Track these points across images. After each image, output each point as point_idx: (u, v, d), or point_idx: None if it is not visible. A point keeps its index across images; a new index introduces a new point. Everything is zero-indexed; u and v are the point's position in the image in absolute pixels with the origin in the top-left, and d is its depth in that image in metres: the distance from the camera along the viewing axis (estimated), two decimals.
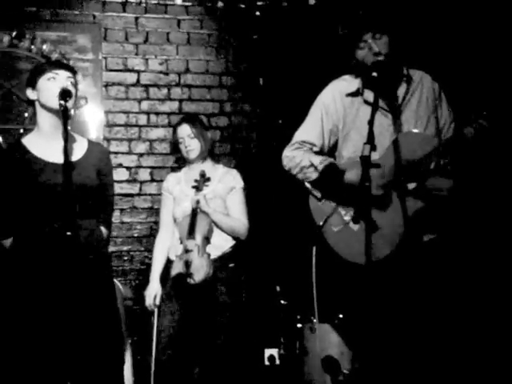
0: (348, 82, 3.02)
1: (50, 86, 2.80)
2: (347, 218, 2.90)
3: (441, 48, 4.25)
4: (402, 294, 2.79)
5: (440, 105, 2.93)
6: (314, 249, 2.97)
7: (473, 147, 2.63)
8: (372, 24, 2.84)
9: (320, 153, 3.03)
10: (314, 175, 2.95)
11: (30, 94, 2.87)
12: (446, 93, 2.98)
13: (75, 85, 2.88)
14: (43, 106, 2.84)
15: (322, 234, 2.96)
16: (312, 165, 2.94)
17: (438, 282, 2.84)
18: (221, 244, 3.66)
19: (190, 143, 3.76)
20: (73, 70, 2.94)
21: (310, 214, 3.03)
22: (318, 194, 2.99)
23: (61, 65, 2.93)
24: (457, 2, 4.30)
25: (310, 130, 3.07)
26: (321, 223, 2.96)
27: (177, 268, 3.52)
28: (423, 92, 2.92)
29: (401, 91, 2.91)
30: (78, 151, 2.93)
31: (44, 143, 2.87)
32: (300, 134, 3.10)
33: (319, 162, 2.93)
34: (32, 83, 2.86)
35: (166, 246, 3.79)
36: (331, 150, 3.08)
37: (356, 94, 2.97)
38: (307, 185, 3.03)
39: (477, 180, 3.33)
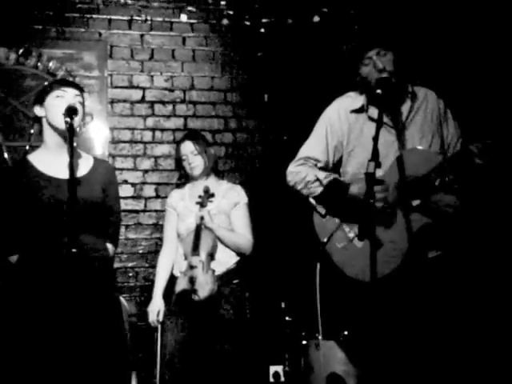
0: (352, 99, 3.03)
1: (57, 104, 2.81)
2: (351, 234, 2.90)
3: (446, 66, 4.27)
4: (406, 311, 2.78)
5: (446, 121, 2.93)
6: (318, 265, 2.96)
7: (478, 165, 2.62)
8: (376, 40, 2.86)
9: (325, 169, 3.04)
10: (318, 190, 2.96)
11: (38, 111, 2.89)
12: (452, 110, 2.98)
13: (82, 103, 2.90)
14: (50, 124, 2.85)
15: (325, 251, 2.96)
16: (317, 179, 2.95)
17: (443, 298, 2.83)
18: (225, 260, 3.65)
19: (194, 160, 3.77)
20: (81, 89, 2.95)
21: (313, 230, 3.04)
22: (322, 211, 2.99)
23: (69, 83, 2.95)
24: (465, 20, 4.32)
25: (314, 147, 3.08)
26: (325, 240, 2.96)
27: (181, 284, 3.51)
28: (428, 109, 2.93)
29: (405, 108, 2.92)
30: (84, 168, 2.95)
31: (50, 159, 2.88)
32: (305, 150, 3.11)
33: (324, 176, 2.94)
34: (40, 100, 2.88)
35: (170, 262, 3.79)
36: (335, 167, 3.08)
37: (361, 110, 2.98)
38: (311, 201, 3.03)
39: (482, 198, 3.32)
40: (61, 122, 2.76)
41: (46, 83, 3.06)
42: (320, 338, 3.70)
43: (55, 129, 2.85)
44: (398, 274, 2.71)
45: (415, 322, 2.77)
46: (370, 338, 2.65)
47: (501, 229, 4.05)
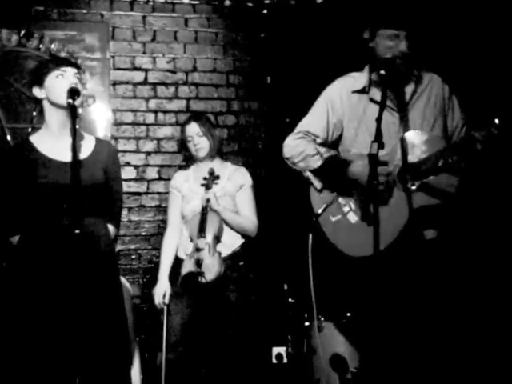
0: (355, 79, 3.02)
1: (58, 84, 2.81)
2: (346, 208, 2.91)
3: (454, 51, 4.24)
4: (399, 291, 2.78)
5: (451, 107, 2.92)
6: (311, 237, 2.95)
7: (480, 153, 2.62)
8: (386, 20, 2.84)
9: (323, 145, 3.04)
10: (317, 163, 2.95)
11: (38, 92, 2.87)
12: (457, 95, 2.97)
13: (81, 81, 2.90)
14: (52, 104, 2.84)
15: (318, 223, 2.97)
16: (318, 153, 2.94)
17: (439, 279, 2.83)
18: (231, 242, 3.66)
19: (199, 141, 3.75)
20: (79, 67, 2.96)
21: (310, 204, 3.04)
22: (319, 185, 3.00)
23: (67, 62, 2.95)
24: (474, 6, 4.29)
25: (315, 122, 3.07)
26: (319, 211, 2.96)
27: (187, 266, 3.51)
28: (432, 93, 2.92)
29: (409, 91, 2.91)
30: (86, 149, 2.94)
31: (52, 141, 2.88)
32: (305, 125, 3.10)
33: (325, 150, 2.94)
34: (39, 82, 2.86)
35: (174, 244, 3.78)
36: (333, 145, 3.08)
37: (362, 91, 2.97)
38: (308, 174, 3.02)
39: (483, 183, 3.32)
40: (64, 102, 2.76)
41: (40, 63, 3.03)
42: (322, 319, 3.72)
43: (57, 109, 2.84)
44: (390, 253, 2.68)
45: (408, 302, 2.78)
46: (367, 318, 2.67)
47: (500, 216, 4.05)
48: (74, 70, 2.87)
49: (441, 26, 4.28)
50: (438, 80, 2.96)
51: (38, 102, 2.92)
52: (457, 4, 4.26)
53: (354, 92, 2.99)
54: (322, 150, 2.95)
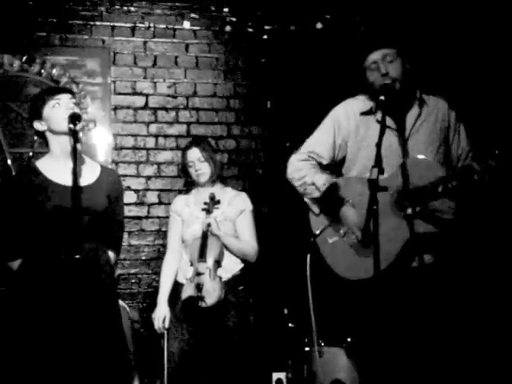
0: (362, 101, 3.04)
1: (56, 112, 2.83)
2: (343, 230, 2.92)
3: (458, 75, 4.28)
4: (396, 314, 2.76)
5: (457, 133, 2.93)
6: (309, 257, 2.95)
7: (479, 183, 2.64)
8: (382, 44, 2.87)
9: (328, 166, 3.04)
10: (315, 194, 2.98)
11: (39, 126, 2.89)
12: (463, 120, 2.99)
13: (78, 104, 2.93)
14: (54, 133, 2.86)
15: (316, 243, 2.98)
16: (314, 184, 2.97)
17: (436, 303, 2.82)
18: (231, 267, 3.65)
19: (201, 167, 3.76)
20: (72, 92, 2.99)
21: (309, 225, 3.05)
22: (317, 210, 3.01)
23: (59, 89, 3.00)
24: (476, 29, 4.33)
25: (320, 142, 3.08)
26: (317, 232, 2.97)
27: (188, 291, 3.49)
28: (438, 118, 2.93)
29: (412, 114, 2.92)
30: (91, 176, 2.96)
31: (57, 166, 2.89)
32: (310, 145, 3.11)
33: (322, 183, 2.96)
34: (37, 115, 2.88)
35: (174, 269, 3.77)
36: (338, 165, 3.09)
37: (369, 112, 2.98)
38: (306, 200, 3.04)
39: (481, 210, 3.33)
40: (65, 128, 2.78)
41: (35, 97, 3.03)
42: (322, 344, 3.70)
43: (62, 134, 2.85)
44: (388, 277, 2.67)
45: (409, 326, 2.78)
46: (368, 342, 2.66)
47: (497, 238, 4.06)
48: (69, 96, 2.89)
49: (443, 50, 4.33)
50: (444, 105, 2.97)
51: (40, 134, 2.94)
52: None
53: (362, 114, 3.00)
54: (319, 182, 2.96)
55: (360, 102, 3.04)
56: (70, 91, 2.97)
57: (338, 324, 3.71)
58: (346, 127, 3.01)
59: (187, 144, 3.94)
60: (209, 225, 3.59)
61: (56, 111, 2.83)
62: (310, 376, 3.73)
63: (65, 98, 2.87)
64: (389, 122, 2.84)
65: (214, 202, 3.66)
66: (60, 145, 2.88)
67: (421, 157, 2.82)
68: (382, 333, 2.55)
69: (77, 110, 2.83)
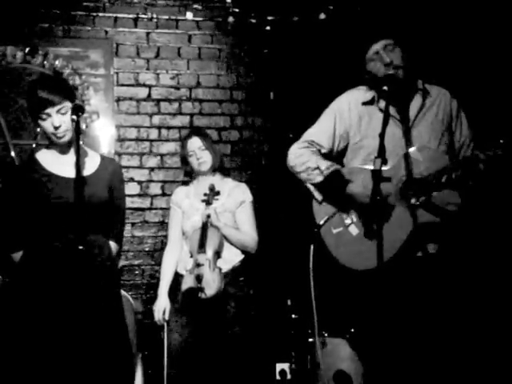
0: (364, 92, 3.04)
1: (46, 125, 2.81)
2: (348, 221, 2.92)
3: (461, 66, 4.26)
4: (400, 304, 2.77)
5: (459, 122, 2.93)
6: (312, 248, 2.95)
7: (483, 172, 2.63)
8: (384, 34, 2.86)
9: (328, 156, 3.04)
10: (318, 178, 2.97)
11: (38, 125, 2.87)
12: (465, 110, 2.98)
13: (67, 111, 2.80)
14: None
15: (320, 234, 2.97)
16: (318, 168, 2.96)
17: (440, 292, 2.82)
18: (231, 258, 3.65)
19: (202, 155, 3.77)
20: (59, 101, 2.80)
21: (312, 214, 3.04)
22: (319, 197, 3.01)
23: (47, 102, 2.78)
24: (478, 20, 4.31)
25: (321, 132, 3.08)
26: (321, 222, 2.96)
27: (187, 282, 3.50)
28: (440, 108, 2.93)
29: (415, 104, 2.91)
30: (91, 166, 2.96)
31: (57, 158, 2.90)
32: (311, 134, 3.11)
33: (326, 167, 2.95)
34: (34, 119, 2.85)
35: (175, 260, 3.78)
36: (338, 155, 3.09)
37: (371, 102, 2.98)
38: (309, 186, 3.03)
39: (486, 199, 3.33)
40: (55, 139, 2.82)
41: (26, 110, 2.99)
42: (325, 334, 3.70)
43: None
44: (392, 267, 2.69)
45: (414, 316, 2.78)
46: (371, 333, 2.66)
47: (500, 230, 4.05)
48: (56, 107, 2.78)
49: (445, 41, 4.32)
50: (446, 95, 2.97)
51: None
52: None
53: (364, 104, 3.00)
54: (323, 165, 2.96)
55: (362, 92, 3.04)
56: (56, 101, 2.79)
57: (342, 314, 3.71)
58: (348, 117, 3.01)
59: (187, 134, 3.96)
60: (208, 216, 3.59)
61: (46, 124, 2.81)
62: (314, 367, 3.73)
63: (52, 110, 2.78)
64: (392, 112, 2.84)
65: (213, 193, 3.66)
66: None
67: (424, 146, 2.81)
68: (385, 323, 2.56)
69: (63, 123, 2.79)
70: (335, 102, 3.11)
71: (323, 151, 3.05)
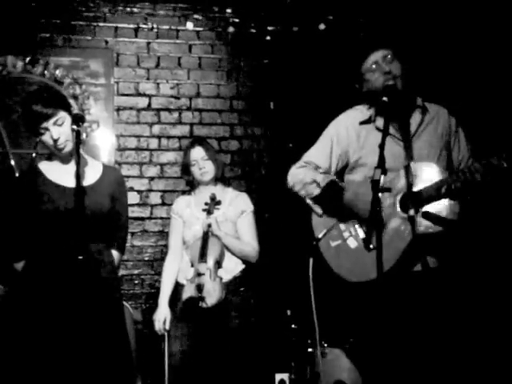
0: (361, 111, 3.04)
1: (46, 139, 2.81)
2: (346, 234, 2.92)
3: (460, 82, 4.28)
4: (399, 316, 2.76)
5: (457, 139, 2.94)
6: (311, 261, 2.95)
7: (481, 184, 2.63)
8: (383, 44, 2.87)
9: (324, 172, 3.05)
10: (315, 191, 2.97)
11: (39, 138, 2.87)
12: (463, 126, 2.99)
13: (65, 120, 2.80)
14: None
15: (319, 247, 2.97)
16: (314, 181, 2.97)
17: (440, 305, 2.81)
18: (232, 267, 3.65)
19: (205, 165, 3.76)
20: (54, 113, 2.78)
21: (311, 228, 3.05)
22: (319, 211, 3.01)
23: (41, 116, 2.76)
24: (479, 37, 4.33)
25: (317, 153, 3.10)
26: (320, 236, 2.96)
27: (188, 292, 3.50)
28: (439, 125, 2.93)
29: (414, 121, 2.92)
30: (93, 175, 2.96)
31: (60, 167, 2.90)
32: (308, 156, 3.13)
33: (322, 179, 2.96)
34: (35, 136, 2.85)
35: (175, 270, 3.77)
36: (339, 174, 3.09)
37: (368, 121, 2.98)
38: (308, 201, 3.04)
39: (485, 211, 3.33)
40: (56, 152, 2.83)
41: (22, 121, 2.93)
42: (325, 345, 3.70)
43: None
44: (391, 279, 2.66)
45: (413, 328, 2.77)
46: (370, 343, 2.66)
47: (499, 238, 4.05)
48: (53, 120, 2.77)
49: (444, 57, 4.33)
50: (444, 112, 2.98)
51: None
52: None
53: (361, 123, 3.00)
54: (319, 178, 2.97)
55: (359, 112, 3.05)
56: (51, 113, 2.76)
57: (341, 325, 3.70)
58: (346, 137, 3.02)
59: (189, 143, 3.94)
60: (209, 225, 3.59)
61: (44, 138, 2.81)
62: (313, 377, 3.72)
63: (49, 123, 2.77)
64: (391, 130, 2.84)
65: (214, 202, 3.66)
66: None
67: (424, 162, 2.81)
68: (384, 335, 2.55)
69: (61, 135, 2.79)
70: (333, 124, 3.12)
71: (320, 171, 3.06)
